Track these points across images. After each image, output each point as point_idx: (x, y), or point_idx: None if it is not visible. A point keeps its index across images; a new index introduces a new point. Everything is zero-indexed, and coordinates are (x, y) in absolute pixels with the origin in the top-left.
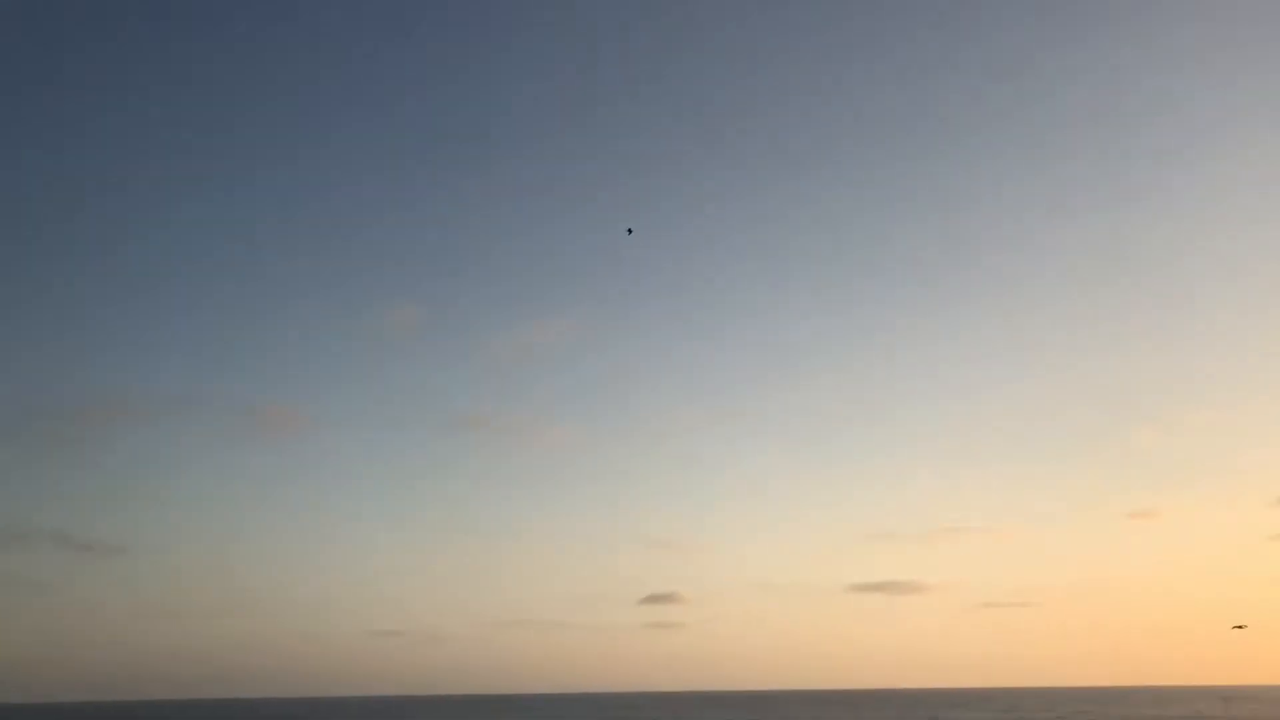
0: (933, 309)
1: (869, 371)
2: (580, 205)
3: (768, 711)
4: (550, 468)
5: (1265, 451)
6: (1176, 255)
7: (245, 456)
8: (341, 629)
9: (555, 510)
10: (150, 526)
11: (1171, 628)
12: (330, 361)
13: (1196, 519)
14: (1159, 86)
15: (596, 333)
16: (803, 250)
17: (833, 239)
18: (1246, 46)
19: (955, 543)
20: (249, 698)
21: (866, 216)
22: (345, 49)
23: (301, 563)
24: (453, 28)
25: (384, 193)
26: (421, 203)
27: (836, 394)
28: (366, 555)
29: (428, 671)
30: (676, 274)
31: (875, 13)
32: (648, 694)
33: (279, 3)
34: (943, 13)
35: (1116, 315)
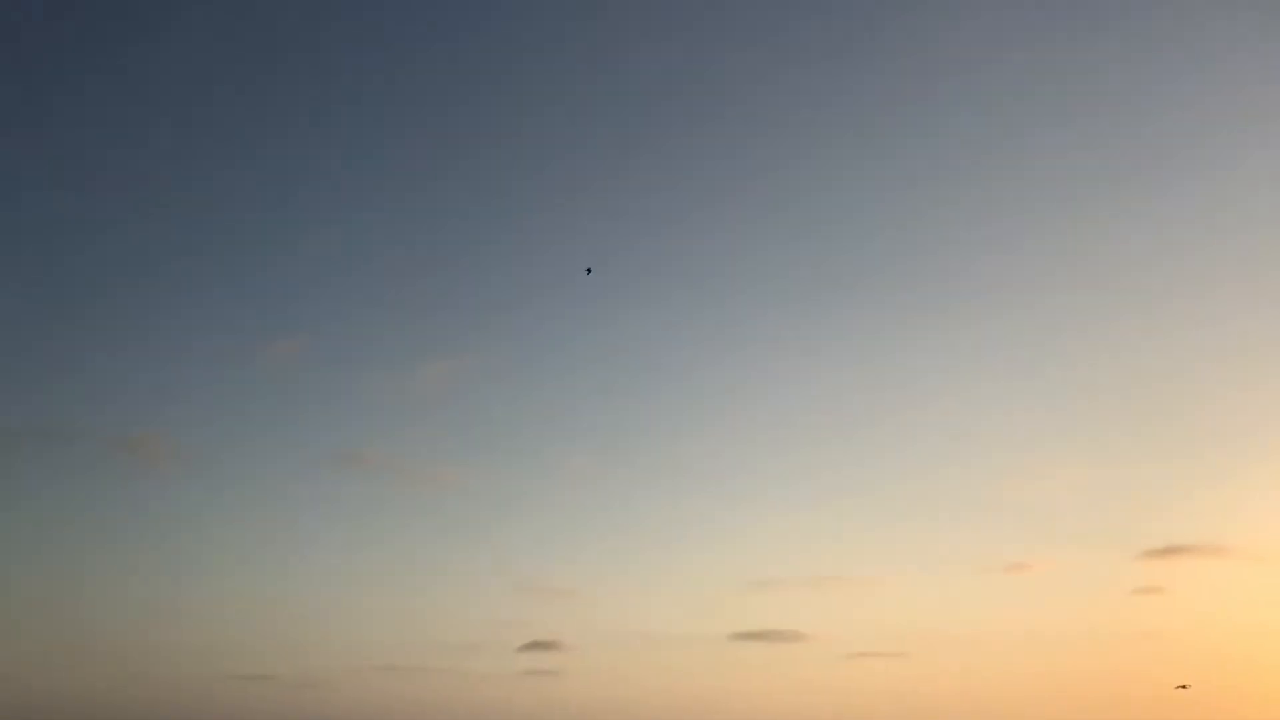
0: (813, 365)
1: (751, 421)
2: (475, 246)
3: None
4: (431, 509)
5: (1130, 507)
6: (1033, 316)
7: (107, 489)
8: (204, 672)
9: (435, 552)
10: None
11: (1042, 678)
12: (207, 392)
13: (1066, 572)
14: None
15: (485, 375)
16: (692, 299)
17: (725, 291)
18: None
19: (833, 591)
20: None
21: (761, 274)
22: (227, 79)
23: (162, 603)
24: (345, 62)
25: (270, 221)
26: (310, 234)
27: (720, 442)
28: (236, 594)
29: (297, 717)
30: (568, 320)
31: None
32: None
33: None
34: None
35: (987, 373)
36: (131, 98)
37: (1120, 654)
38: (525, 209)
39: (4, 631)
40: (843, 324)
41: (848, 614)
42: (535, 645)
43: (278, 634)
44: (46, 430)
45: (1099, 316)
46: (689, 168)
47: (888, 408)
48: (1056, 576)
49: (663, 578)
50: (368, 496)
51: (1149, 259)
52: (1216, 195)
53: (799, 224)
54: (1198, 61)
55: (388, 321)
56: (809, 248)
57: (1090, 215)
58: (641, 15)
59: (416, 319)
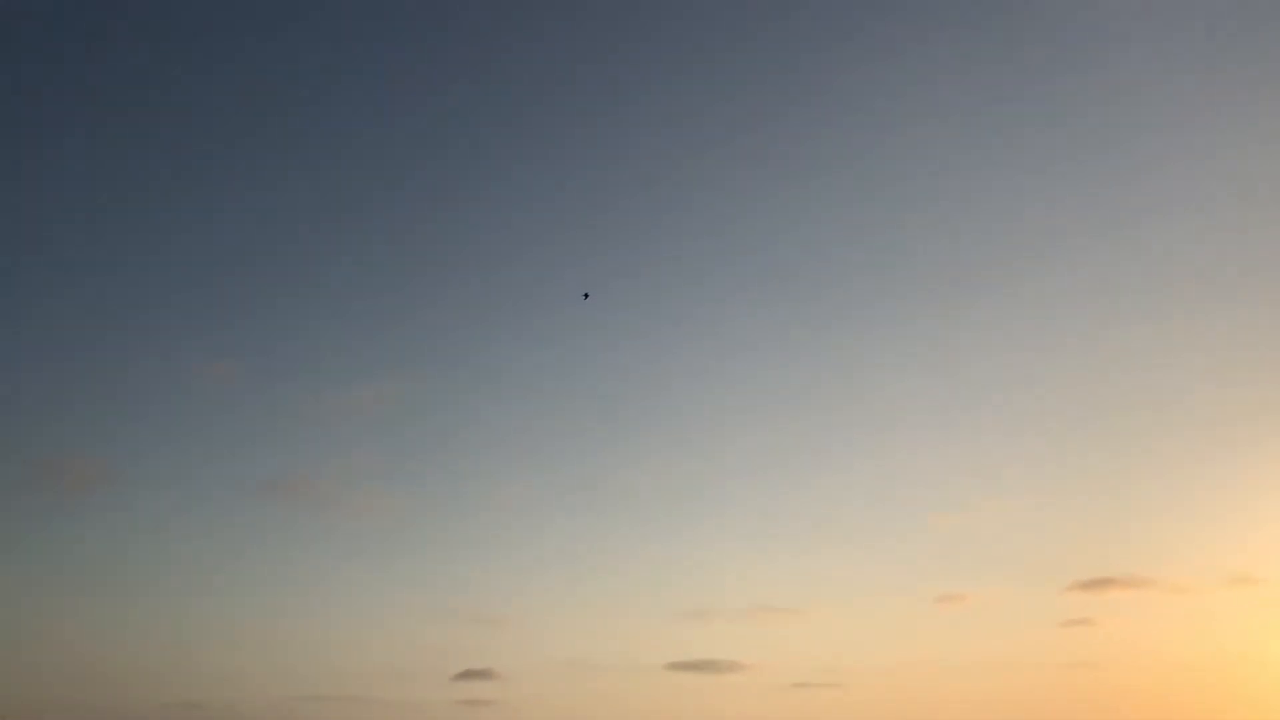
0: (751, 398)
1: (690, 452)
2: (413, 268)
3: None
4: (366, 535)
5: (1059, 539)
6: (966, 351)
7: (31, 512)
8: (128, 701)
9: (369, 579)
10: None
11: (974, 709)
12: (137, 414)
13: (997, 604)
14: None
15: (421, 399)
16: (632, 329)
17: (664, 323)
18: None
19: (770, 622)
20: None
21: (699, 306)
22: (161, 90)
23: (86, 629)
24: (283, 75)
25: (204, 240)
26: (245, 253)
27: (658, 472)
28: (162, 620)
29: None
30: (507, 346)
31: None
32: None
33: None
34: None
35: (921, 407)
36: (57, 111)
37: (1050, 685)
38: (468, 231)
39: None
40: (780, 358)
41: (784, 645)
42: (470, 674)
43: (206, 662)
44: None
45: (1030, 351)
46: (637, 208)
47: (823, 441)
48: (988, 608)
49: (600, 606)
50: (300, 521)
51: (1079, 297)
52: (1141, 241)
53: (742, 261)
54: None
55: (324, 344)
56: (753, 277)
57: (1018, 256)
58: (592, 19)
59: (353, 342)
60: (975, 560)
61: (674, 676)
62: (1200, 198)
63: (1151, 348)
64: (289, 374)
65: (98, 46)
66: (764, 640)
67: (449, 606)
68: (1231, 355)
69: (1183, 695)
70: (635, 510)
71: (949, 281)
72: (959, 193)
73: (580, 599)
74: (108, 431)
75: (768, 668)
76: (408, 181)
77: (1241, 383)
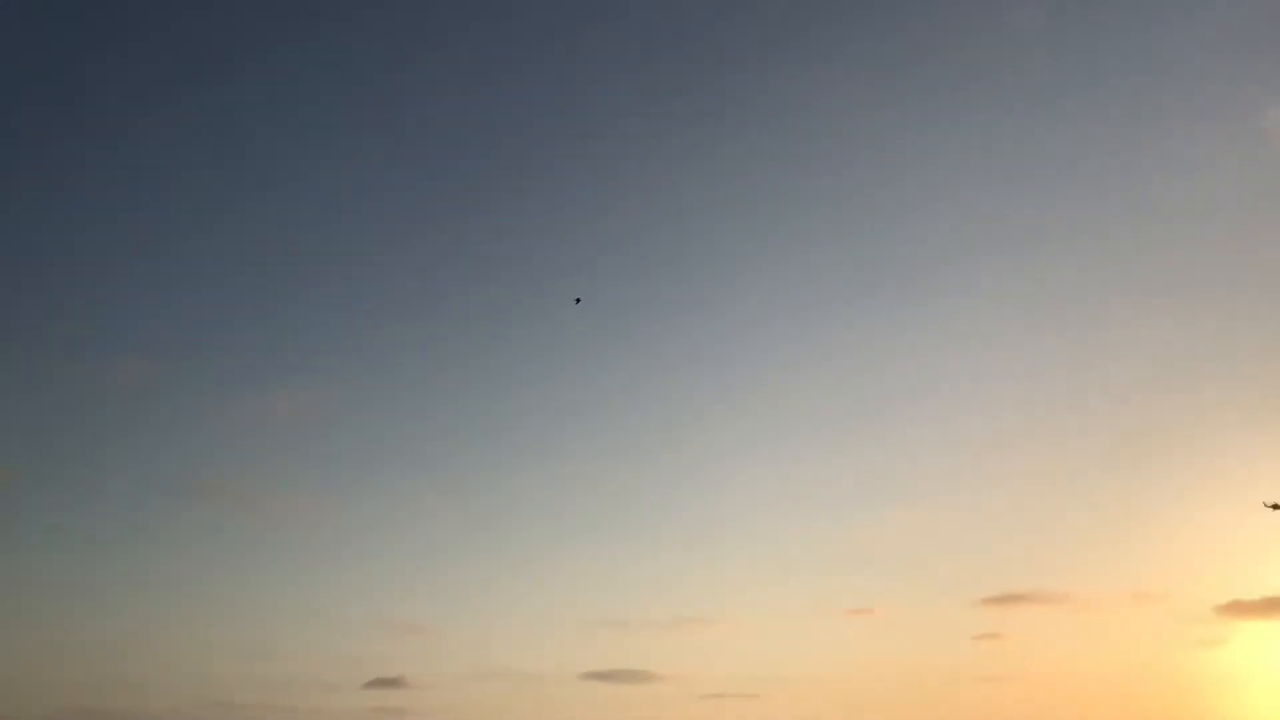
0: (667, 410)
1: (605, 464)
2: (336, 273)
3: None
4: (278, 540)
5: (970, 554)
6: (879, 366)
7: None
8: (36, 708)
9: (281, 585)
10: None
11: None
12: (43, 414)
13: (908, 616)
14: None
15: (339, 406)
16: (546, 337)
17: (576, 328)
18: None
19: (686, 632)
20: None
21: (619, 315)
22: (64, 81)
23: None
24: (204, 69)
25: (116, 232)
26: (160, 246)
27: (574, 482)
28: (70, 625)
29: None
30: (426, 355)
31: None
32: None
33: None
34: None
35: (835, 422)
36: None
37: (960, 698)
38: (393, 239)
39: None
40: (696, 369)
41: (699, 655)
42: (381, 682)
43: (115, 668)
44: None
45: (944, 365)
46: (560, 214)
47: (738, 452)
48: (899, 621)
49: (514, 615)
50: (213, 526)
51: (994, 310)
52: (1062, 253)
53: (661, 276)
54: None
55: (242, 346)
56: (671, 289)
57: (934, 264)
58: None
59: (271, 345)
60: (888, 573)
61: (589, 686)
62: (1124, 213)
63: (1064, 365)
64: (204, 375)
65: None
66: (680, 650)
67: (362, 614)
68: (1141, 374)
69: (1089, 709)
70: (552, 519)
71: (860, 291)
72: (877, 203)
73: (496, 608)
74: (11, 433)
75: (683, 678)
76: (337, 178)
77: (1148, 402)
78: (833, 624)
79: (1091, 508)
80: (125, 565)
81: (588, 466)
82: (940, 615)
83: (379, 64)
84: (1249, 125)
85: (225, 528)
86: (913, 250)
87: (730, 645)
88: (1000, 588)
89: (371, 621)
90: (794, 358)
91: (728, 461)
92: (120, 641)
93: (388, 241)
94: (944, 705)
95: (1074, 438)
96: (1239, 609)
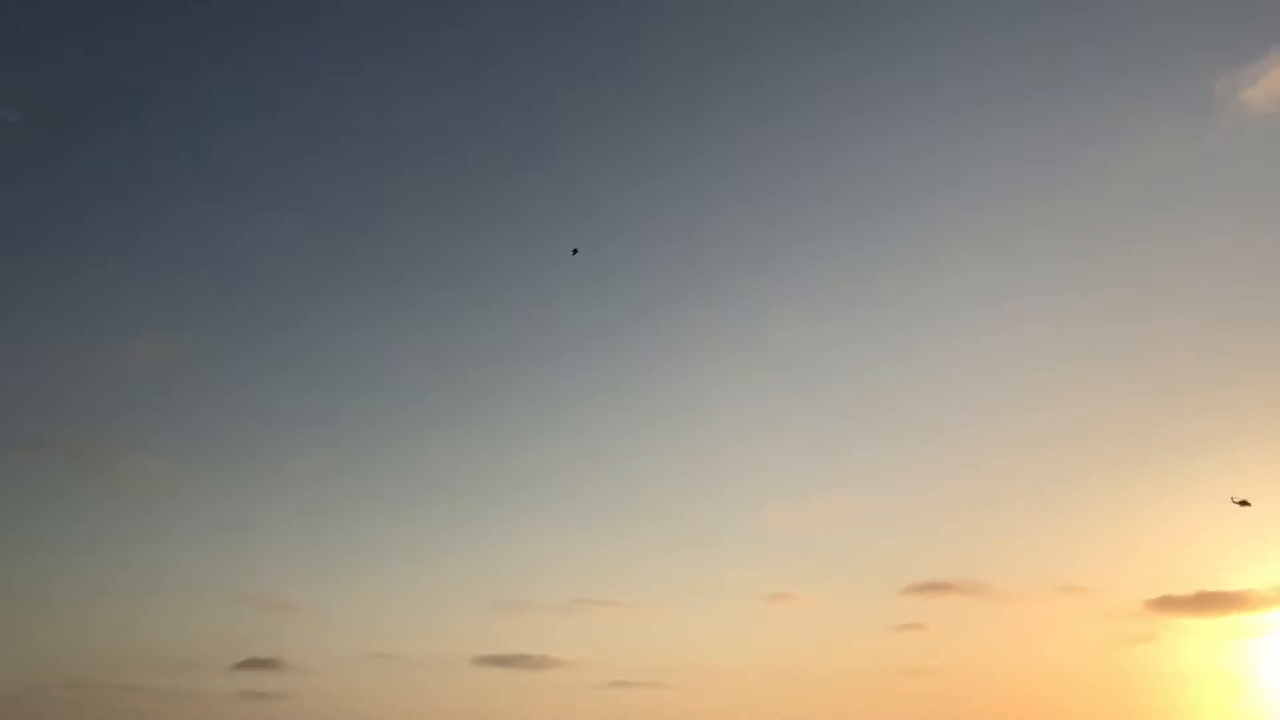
0: (575, 379)
1: (508, 435)
2: (194, 208)
3: None
4: (135, 507)
5: (894, 541)
6: (803, 341)
7: None
8: None
9: (139, 557)
10: None
11: (801, 711)
12: None
13: (829, 605)
14: None
15: (202, 356)
16: (447, 316)
17: (481, 310)
18: None
19: (589, 616)
20: None
21: (521, 287)
22: None
23: None
24: (79, 61)
25: None
26: None
27: (470, 452)
28: None
29: None
30: (301, 300)
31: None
32: None
33: None
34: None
35: (755, 400)
36: None
37: (881, 689)
38: (261, 167)
39: None
40: (605, 345)
41: (604, 641)
42: (253, 663)
43: None
44: None
45: (870, 343)
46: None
47: (650, 429)
48: (819, 609)
49: (404, 595)
50: (57, 490)
51: (925, 298)
52: (1005, 246)
53: (553, 254)
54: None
55: (88, 288)
56: (570, 269)
57: (852, 256)
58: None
59: (124, 287)
60: (809, 558)
61: (483, 671)
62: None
63: (994, 350)
64: (41, 322)
65: None
66: (583, 635)
67: (236, 589)
68: (1073, 361)
69: (1012, 702)
70: (445, 491)
71: (787, 265)
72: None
73: (380, 585)
74: None
75: (586, 664)
76: (187, 116)
77: (1081, 390)
78: (751, 610)
79: (1019, 497)
80: None
81: (487, 436)
82: (862, 603)
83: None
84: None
85: (72, 492)
86: (841, 216)
87: (638, 631)
88: (924, 576)
89: (238, 598)
90: (714, 331)
91: (639, 437)
92: None
93: (255, 175)
94: (863, 697)
95: (1003, 426)
96: (1170, 604)
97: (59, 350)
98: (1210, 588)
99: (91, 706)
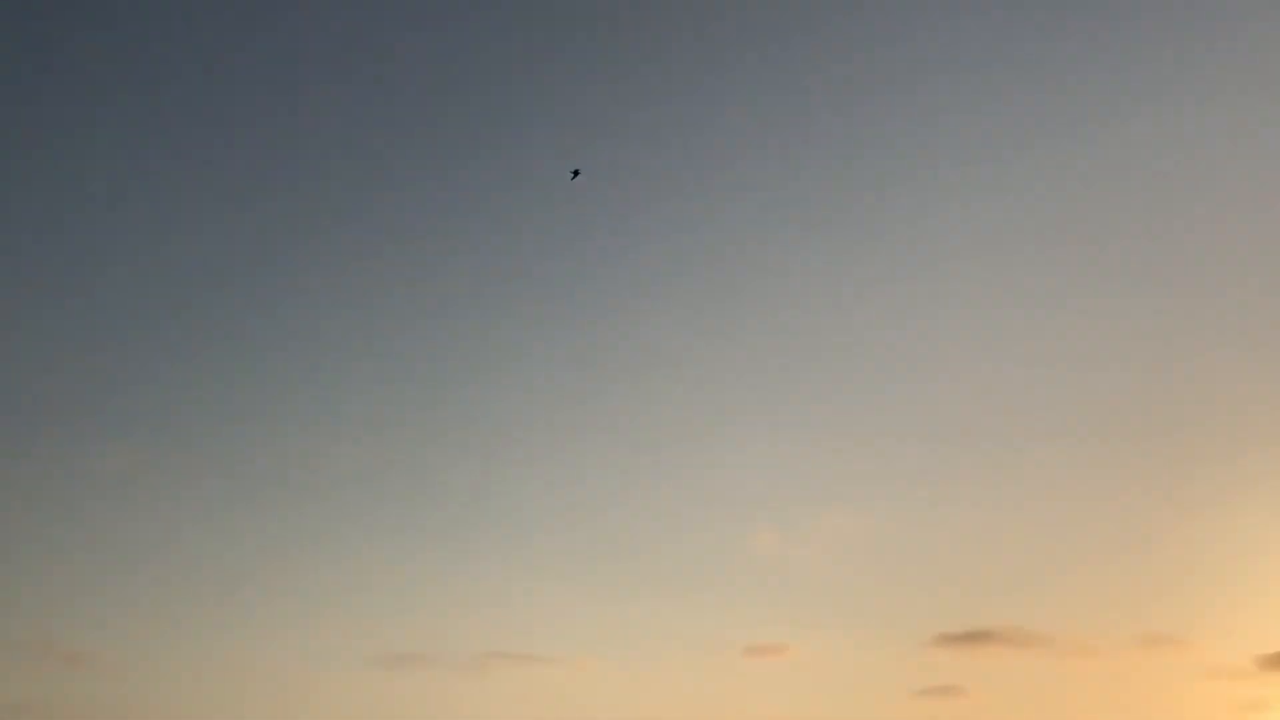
0: (541, 414)
1: (410, 439)
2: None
3: None
4: None
5: (919, 577)
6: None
7: None
8: None
9: None
10: None
11: None
12: None
13: (831, 661)
14: None
15: None
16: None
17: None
18: None
19: (506, 673)
20: None
21: (448, 284)
22: None
23: None
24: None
25: None
26: None
27: (359, 459)
28: None
29: None
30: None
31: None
32: None
33: None
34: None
35: (735, 389)
36: None
37: None
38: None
39: None
40: (586, 380)
41: (525, 709)
42: None
43: None
44: None
45: (899, 331)
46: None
47: (594, 439)
48: (817, 665)
49: (239, 645)
50: None
51: (922, 305)
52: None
53: (494, 261)
54: None
55: None
56: (511, 271)
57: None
58: None
59: None
60: (803, 598)
61: None
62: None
63: (1064, 342)
64: None
65: None
66: (498, 702)
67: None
68: (1168, 363)
69: None
70: (302, 504)
71: (784, 264)
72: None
73: (211, 632)
74: None
75: None
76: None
77: (1174, 396)
78: (724, 667)
79: (1086, 519)
80: None
81: (381, 445)
82: (876, 659)
83: None
84: None
85: None
86: (842, 201)
87: (572, 695)
88: (960, 623)
89: (13, 644)
90: (684, 317)
91: (578, 448)
92: None
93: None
94: None
95: (1073, 431)
96: None
97: None
98: None
99: None
